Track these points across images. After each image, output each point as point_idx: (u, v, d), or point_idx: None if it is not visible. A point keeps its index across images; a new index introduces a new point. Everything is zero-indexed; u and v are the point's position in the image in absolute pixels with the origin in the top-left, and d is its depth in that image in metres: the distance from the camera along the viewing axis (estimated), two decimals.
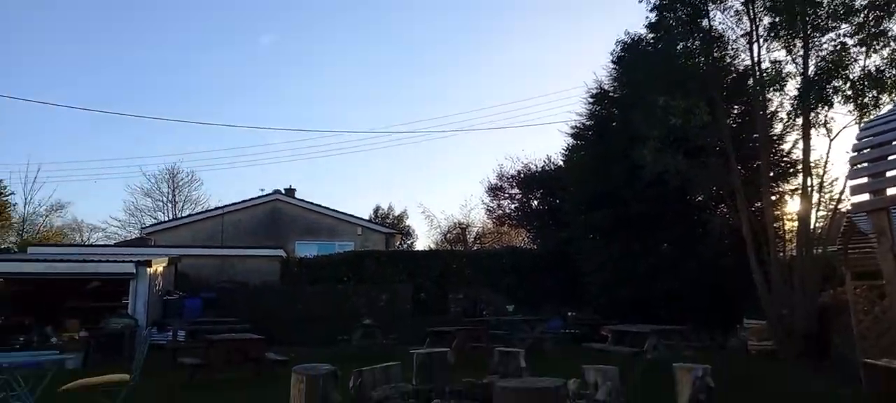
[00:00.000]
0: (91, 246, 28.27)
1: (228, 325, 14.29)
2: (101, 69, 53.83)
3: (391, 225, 38.84)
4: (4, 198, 29.50)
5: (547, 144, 61.96)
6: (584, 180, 17.41)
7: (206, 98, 57.15)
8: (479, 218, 33.87)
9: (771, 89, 12.25)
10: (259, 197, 25.82)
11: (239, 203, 25.51)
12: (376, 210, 46.39)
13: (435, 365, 7.05)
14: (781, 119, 13.51)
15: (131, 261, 15.13)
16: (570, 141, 19.85)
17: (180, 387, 9.11)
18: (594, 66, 35.60)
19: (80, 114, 65.57)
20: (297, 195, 27.10)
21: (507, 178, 25.09)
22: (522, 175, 24.18)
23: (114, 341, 14.02)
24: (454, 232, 36.73)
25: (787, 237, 14.42)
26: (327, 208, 26.15)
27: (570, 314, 17.61)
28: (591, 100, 18.29)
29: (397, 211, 46.91)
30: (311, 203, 26.22)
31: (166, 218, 32.36)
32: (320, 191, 67.62)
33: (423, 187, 63.90)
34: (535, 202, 24.03)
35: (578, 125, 19.02)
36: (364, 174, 62.46)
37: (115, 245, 28.84)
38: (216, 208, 25.97)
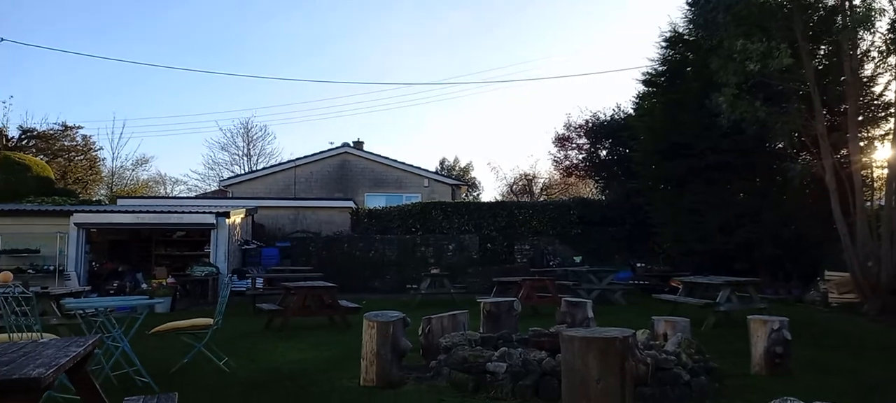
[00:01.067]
0: (175, 197, 29.76)
1: (303, 274, 14.85)
2: (182, 29, 55.69)
3: (457, 177, 38.99)
4: (94, 153, 31.35)
5: (617, 92, 60.16)
6: (656, 129, 16.86)
7: (279, 56, 58.32)
8: (545, 169, 33.54)
9: (861, 27, 11.39)
10: (329, 150, 26.39)
11: (310, 156, 26.17)
12: (442, 162, 46.65)
13: (502, 314, 7.16)
14: (873, 58, 12.61)
15: (212, 212, 15.85)
16: (642, 88, 19.21)
17: (260, 331, 9.62)
18: (668, 8, 34.02)
19: (161, 71, 68.22)
20: (365, 148, 27.54)
21: (575, 128, 24.62)
22: (591, 124, 23.65)
23: (198, 287, 14.89)
24: (520, 183, 36.56)
25: (875, 186, 13.61)
26: (394, 160, 26.48)
27: (639, 265, 17.36)
28: (664, 44, 17.54)
29: (463, 163, 47.01)
30: (379, 155, 26.60)
31: (242, 172, 33.59)
32: (388, 144, 68.53)
33: (489, 139, 63.59)
34: (604, 152, 23.52)
35: (650, 71, 18.34)
36: (430, 126, 62.70)
37: (196, 197, 30.28)
38: (289, 161, 26.74)
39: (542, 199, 31.63)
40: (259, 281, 14.74)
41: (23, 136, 28.50)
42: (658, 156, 16.72)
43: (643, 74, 18.67)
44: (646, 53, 23.60)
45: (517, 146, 64.61)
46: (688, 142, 15.46)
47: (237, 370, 6.52)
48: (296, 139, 53.48)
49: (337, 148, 26.45)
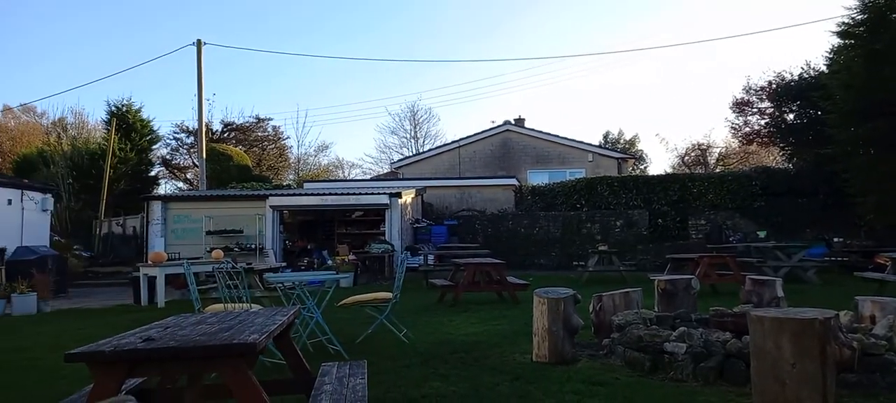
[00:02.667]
0: (352, 180, 31.98)
1: (471, 250, 15.28)
2: (355, 24, 59.36)
3: (622, 151, 37.59)
4: (282, 142, 34.61)
5: (806, 49, 53.98)
6: (855, 86, 14.90)
7: (442, 40, 59.96)
8: (721, 137, 31.17)
9: None
10: (491, 128, 26.73)
11: (472, 136, 26.71)
12: (606, 135, 45.22)
13: (678, 293, 6.83)
14: None
15: (385, 193, 16.83)
16: (836, 41, 17.04)
17: (433, 306, 10.08)
18: None
19: (337, 62, 73.24)
20: (526, 125, 27.50)
21: (756, 91, 22.48)
22: (775, 85, 21.43)
23: (375, 263, 15.93)
24: (693, 154, 34.37)
25: None
26: (556, 136, 26.17)
27: (835, 240, 15.60)
28: None
29: (628, 136, 45.21)
30: (541, 131, 26.43)
31: (410, 154, 35.16)
32: (549, 120, 67.80)
33: (656, 109, 60.36)
34: (791, 116, 21.24)
35: (847, 21, 16.17)
36: (592, 100, 60.94)
37: (371, 179, 32.28)
38: (452, 142, 27.50)
39: (718, 170, 29.49)
40: (430, 257, 15.42)
41: (224, 130, 32.21)
42: (857, 116, 14.81)
43: (838, 25, 16.52)
44: (841, 1, 20.73)
45: (688, 114, 60.68)
46: (893, 99, 13.52)
47: (416, 341, 6.90)
48: (459, 120, 54.95)
49: (499, 126, 26.70)
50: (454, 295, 10.17)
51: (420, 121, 40.88)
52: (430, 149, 30.66)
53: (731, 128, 24.62)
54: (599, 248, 14.37)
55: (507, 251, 17.29)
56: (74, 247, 19.54)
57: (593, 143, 28.66)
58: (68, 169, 23.35)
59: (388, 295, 7.23)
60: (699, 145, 34.19)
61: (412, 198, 18.90)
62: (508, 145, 26.22)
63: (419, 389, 4.85)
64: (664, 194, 18.92)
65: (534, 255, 18.42)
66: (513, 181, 22.56)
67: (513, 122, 27.15)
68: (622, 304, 6.50)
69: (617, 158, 26.45)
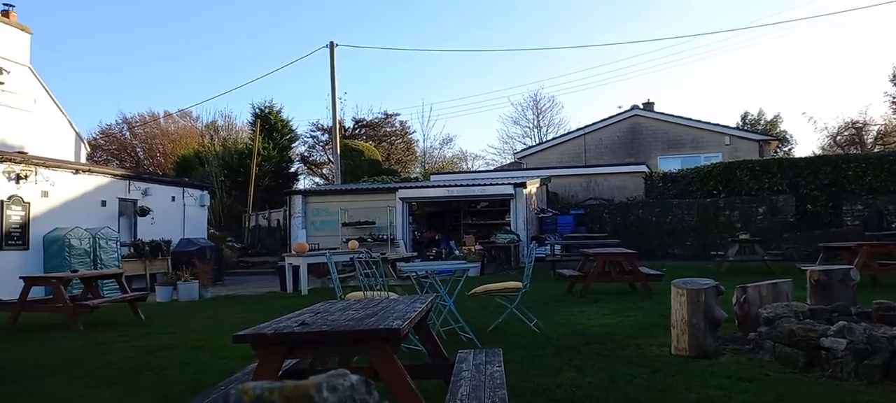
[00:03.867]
0: (476, 171, 32.36)
1: (599, 240, 14.96)
2: (475, 17, 59.88)
3: (763, 132, 34.96)
4: (409, 136, 35.71)
5: None
6: None
7: (563, 27, 58.92)
8: (880, 114, 28.12)
9: None
10: (617, 114, 25.92)
11: (598, 122, 26.04)
12: (744, 117, 42.24)
13: (834, 284, 6.30)
14: None
15: (509, 183, 16.89)
16: None
17: (562, 296, 10.00)
18: None
19: (458, 55, 74.20)
20: (655, 108, 26.37)
21: None
22: None
23: (501, 253, 16.04)
24: (846, 133, 31.33)
25: None
26: (689, 119, 24.86)
27: None
28: None
29: (769, 116, 41.93)
30: (672, 115, 25.25)
31: (533, 143, 34.92)
32: (680, 103, 64.44)
33: (801, 86, 55.45)
34: None
35: None
36: (727, 79, 57.17)
37: (495, 170, 32.47)
38: (577, 129, 26.97)
39: (877, 150, 26.64)
40: (556, 247, 15.28)
41: (356, 126, 33.76)
42: None
43: None
44: None
45: (839, 90, 55.19)
46: None
47: (547, 331, 6.89)
48: (583, 107, 53.62)
49: (626, 111, 25.83)
50: (584, 285, 10.02)
51: (543, 109, 40.49)
52: (553, 138, 30.27)
53: (892, 103, 22.14)
54: (740, 237, 13.52)
55: (638, 240, 16.71)
56: (227, 239, 21.42)
57: (730, 126, 26.94)
58: (220, 167, 25.62)
59: (518, 284, 7.27)
60: (854, 123, 31.09)
61: (537, 187, 18.79)
62: (637, 130, 25.28)
63: (553, 379, 4.85)
64: (813, 178, 17.39)
65: (666, 245, 17.68)
66: (642, 167, 21.75)
67: (641, 107, 26.15)
68: (769, 296, 6.10)
69: (757, 140, 24.65)
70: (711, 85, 57.04)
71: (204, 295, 12.76)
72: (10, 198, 13.03)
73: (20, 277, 9.46)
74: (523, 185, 16.70)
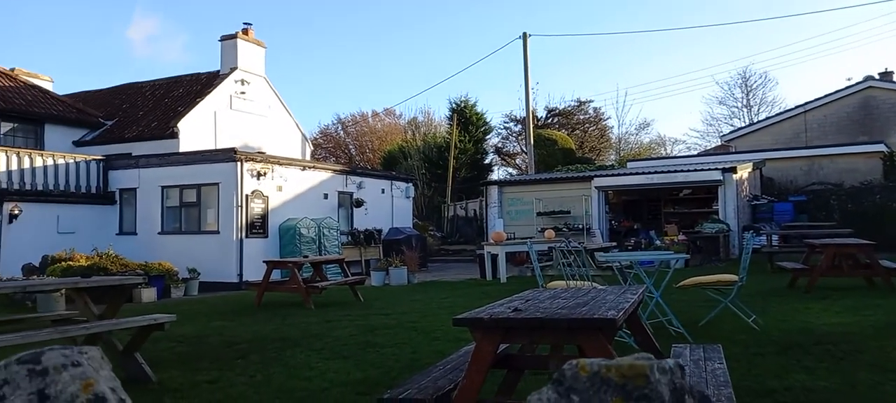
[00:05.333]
0: (676, 157, 30.58)
1: (825, 229, 13.37)
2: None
3: None
4: (603, 123, 34.79)
5: None
6: None
7: None
8: None
9: None
10: (846, 87, 22.83)
11: (821, 98, 23.15)
12: None
13: None
14: None
15: (717, 169, 15.74)
16: None
17: (782, 290, 9.13)
18: None
19: (655, 37, 70.58)
20: (895, 78, 22.77)
21: None
22: None
23: (709, 243, 15.03)
24: None
25: None
26: None
27: None
28: None
29: None
30: None
31: (742, 124, 32.07)
32: None
33: None
34: None
35: None
36: None
37: (699, 154, 30.40)
38: (795, 107, 24.22)
39: None
40: (774, 237, 13.95)
41: (548, 116, 33.72)
42: None
43: None
44: None
45: None
46: None
47: (767, 328, 6.37)
48: (802, 82, 47.70)
49: (857, 83, 22.64)
50: (809, 279, 9.05)
51: (754, 87, 36.86)
52: (767, 118, 27.47)
53: None
54: None
55: (874, 230, 14.58)
56: (429, 228, 22.73)
57: None
58: (421, 161, 27.24)
59: (733, 277, 6.80)
60: None
61: (748, 172, 17.26)
62: (871, 105, 22.03)
63: (780, 380, 4.49)
64: None
65: None
66: (879, 147, 18.95)
67: (877, 77, 22.74)
68: None
69: None
70: None
71: (412, 281, 13.69)
72: (253, 192, 15.10)
73: (263, 261, 10.97)
74: (733, 170, 15.44)
